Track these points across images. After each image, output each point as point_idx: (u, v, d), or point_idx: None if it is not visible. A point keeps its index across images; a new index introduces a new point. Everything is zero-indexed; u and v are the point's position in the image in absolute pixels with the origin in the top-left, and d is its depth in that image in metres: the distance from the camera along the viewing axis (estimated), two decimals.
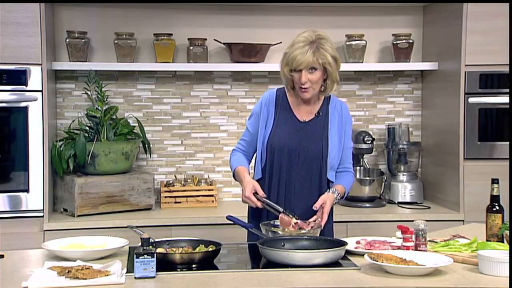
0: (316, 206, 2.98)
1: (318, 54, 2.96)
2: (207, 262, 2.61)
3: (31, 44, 3.78)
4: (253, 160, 3.23)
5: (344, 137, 3.14)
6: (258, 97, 3.27)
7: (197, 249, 2.68)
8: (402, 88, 4.67)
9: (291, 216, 2.94)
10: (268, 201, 3.00)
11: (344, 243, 2.67)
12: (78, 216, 3.91)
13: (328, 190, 3.07)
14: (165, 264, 2.53)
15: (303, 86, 3.01)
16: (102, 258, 2.68)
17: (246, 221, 3.17)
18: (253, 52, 4.34)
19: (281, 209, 2.96)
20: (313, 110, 3.13)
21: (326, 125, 3.11)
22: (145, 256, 2.40)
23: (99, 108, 4.13)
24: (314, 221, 2.97)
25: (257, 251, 2.67)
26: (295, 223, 2.92)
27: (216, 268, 2.59)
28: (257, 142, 3.16)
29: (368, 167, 4.49)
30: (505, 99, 4.05)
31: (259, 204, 2.99)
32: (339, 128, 3.13)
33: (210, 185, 4.32)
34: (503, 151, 4.09)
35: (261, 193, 3.00)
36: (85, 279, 2.35)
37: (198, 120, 4.52)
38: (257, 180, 3.11)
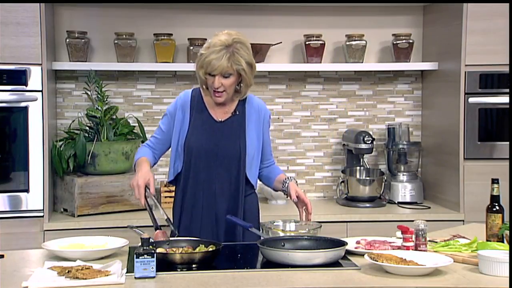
0: (294, 198, 3.03)
1: (233, 59, 2.94)
2: (207, 262, 2.60)
3: (31, 44, 3.78)
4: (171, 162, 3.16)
5: (263, 133, 3.14)
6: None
7: (197, 249, 2.68)
8: (402, 88, 4.67)
9: (173, 228, 2.99)
10: (152, 207, 2.98)
11: (344, 243, 2.67)
12: (78, 216, 3.91)
13: (284, 183, 3.09)
14: (165, 264, 2.53)
15: (216, 90, 2.99)
16: (102, 258, 2.68)
17: None
18: (253, 52, 4.30)
19: (159, 225, 2.96)
20: (229, 109, 3.11)
21: (243, 124, 3.09)
22: (145, 256, 2.40)
23: (99, 108, 4.13)
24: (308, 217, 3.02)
25: (257, 251, 2.66)
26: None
27: (216, 268, 2.59)
28: (167, 142, 3.14)
29: (368, 167, 4.49)
30: (505, 99, 4.05)
31: (142, 201, 2.91)
32: (257, 125, 3.12)
33: None
34: (503, 151, 4.09)
35: (152, 190, 2.95)
36: (85, 279, 2.35)
37: None
38: (170, 182, 3.12)
